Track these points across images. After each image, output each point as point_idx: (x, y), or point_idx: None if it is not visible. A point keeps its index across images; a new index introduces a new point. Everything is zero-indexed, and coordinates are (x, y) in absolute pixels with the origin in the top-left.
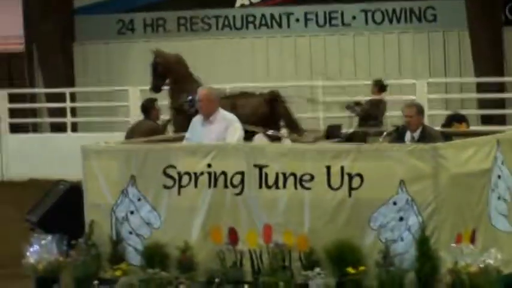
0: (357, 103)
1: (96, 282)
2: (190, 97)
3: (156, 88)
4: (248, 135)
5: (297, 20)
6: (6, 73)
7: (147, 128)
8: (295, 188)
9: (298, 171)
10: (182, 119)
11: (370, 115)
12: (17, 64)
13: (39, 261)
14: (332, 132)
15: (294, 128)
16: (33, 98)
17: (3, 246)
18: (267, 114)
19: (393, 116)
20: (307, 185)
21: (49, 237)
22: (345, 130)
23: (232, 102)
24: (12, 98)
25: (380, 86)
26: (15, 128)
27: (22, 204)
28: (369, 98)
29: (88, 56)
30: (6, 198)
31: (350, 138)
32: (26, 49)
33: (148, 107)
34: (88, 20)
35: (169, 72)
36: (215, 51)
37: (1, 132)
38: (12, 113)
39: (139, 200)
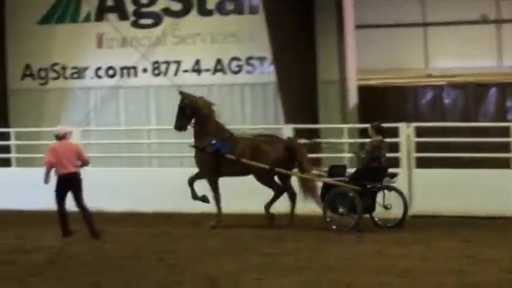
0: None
1: None
2: (213, 142)
3: (181, 127)
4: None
5: None
6: None
7: None
8: None
9: None
10: (204, 156)
11: (373, 157)
12: None
13: None
14: (335, 172)
15: (304, 168)
16: None
17: None
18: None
19: None
20: None
21: None
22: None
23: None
24: None
25: (378, 129)
26: None
27: None
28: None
29: None
30: None
31: (354, 177)
32: None
33: None
34: None
35: (196, 114)
36: None
37: None
38: None
39: None
